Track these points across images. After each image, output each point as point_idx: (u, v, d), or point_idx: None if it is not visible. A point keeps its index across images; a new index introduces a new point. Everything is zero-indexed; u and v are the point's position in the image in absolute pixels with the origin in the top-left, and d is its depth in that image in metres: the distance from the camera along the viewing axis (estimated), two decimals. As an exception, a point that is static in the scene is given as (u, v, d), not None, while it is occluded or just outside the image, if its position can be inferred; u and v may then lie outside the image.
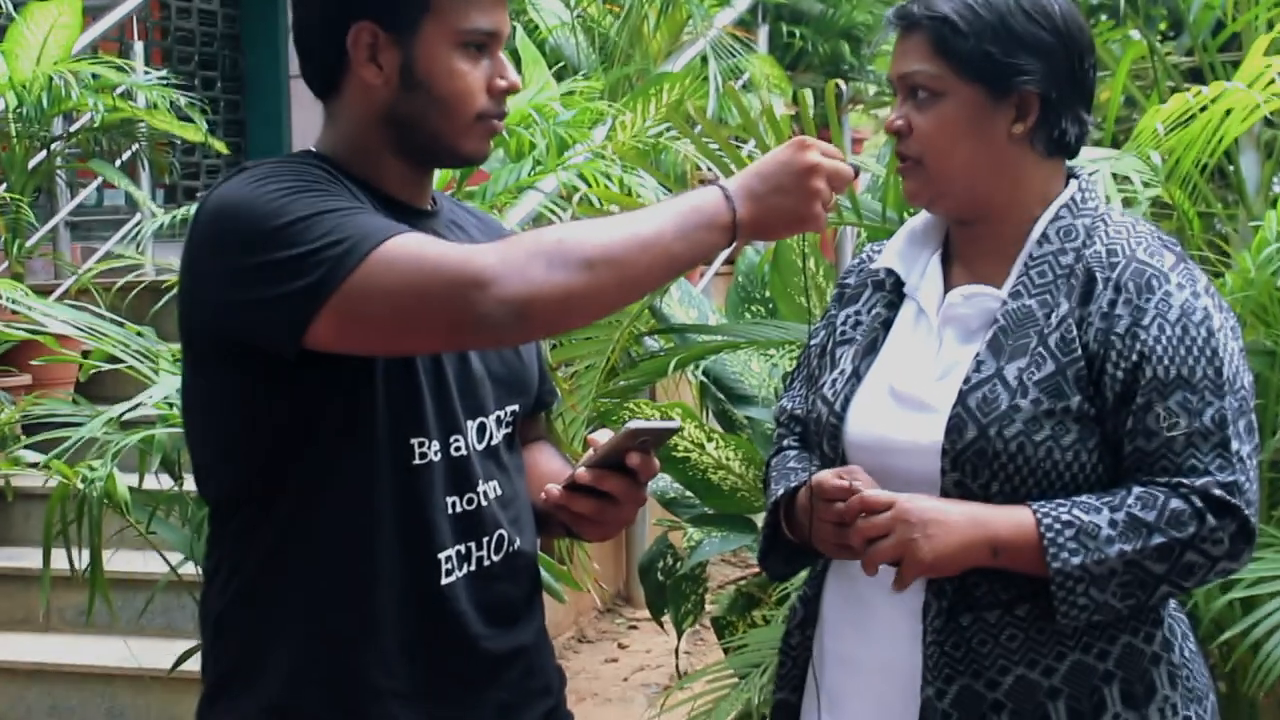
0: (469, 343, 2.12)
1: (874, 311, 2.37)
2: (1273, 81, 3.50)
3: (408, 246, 1.95)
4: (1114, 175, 3.44)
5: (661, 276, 2.02)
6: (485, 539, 2.20)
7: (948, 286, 2.31)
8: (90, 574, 3.83)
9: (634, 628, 6.45)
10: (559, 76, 6.29)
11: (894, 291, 2.36)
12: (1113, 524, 2.09)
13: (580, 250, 1.93)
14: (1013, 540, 2.11)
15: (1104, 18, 5.51)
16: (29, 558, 5.31)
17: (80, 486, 3.75)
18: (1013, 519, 2.12)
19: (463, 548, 2.17)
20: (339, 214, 1.98)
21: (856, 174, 2.12)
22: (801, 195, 2.04)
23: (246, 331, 2.01)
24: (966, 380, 2.19)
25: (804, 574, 2.49)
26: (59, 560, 3.96)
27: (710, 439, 4.00)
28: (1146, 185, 3.54)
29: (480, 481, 2.19)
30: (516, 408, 2.29)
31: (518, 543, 2.25)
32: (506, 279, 1.90)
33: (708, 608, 4.47)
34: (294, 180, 2.03)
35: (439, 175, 2.35)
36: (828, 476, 2.19)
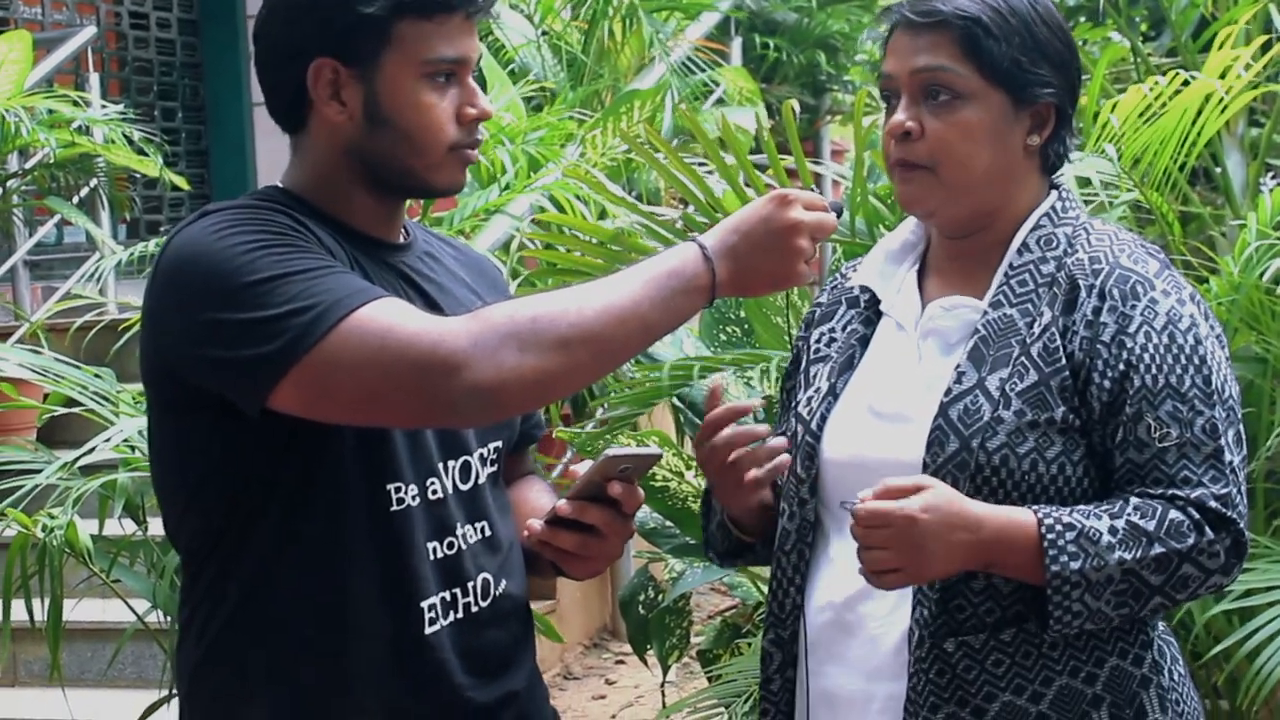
0: (438, 425, 2.07)
1: (850, 328, 2.31)
2: (1239, 76, 3.41)
3: (377, 320, 1.89)
4: (1077, 179, 3.35)
5: (638, 347, 2.00)
6: (470, 584, 2.14)
7: (924, 300, 2.25)
8: (49, 626, 3.76)
9: (621, 662, 6.33)
10: (526, 96, 6.19)
11: (870, 308, 2.31)
12: (1113, 530, 2.04)
13: (554, 330, 1.89)
14: (1011, 546, 2.04)
15: (1083, 19, 5.44)
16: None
17: (40, 535, 3.67)
18: (1012, 522, 2.04)
19: (447, 595, 2.12)
20: (308, 276, 1.91)
21: (839, 214, 2.08)
22: (784, 254, 2.02)
23: (208, 384, 1.96)
24: (947, 392, 2.14)
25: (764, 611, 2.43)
26: (22, 612, 3.89)
27: (690, 467, 3.94)
28: (1107, 186, 3.44)
29: (459, 524, 2.13)
30: (500, 444, 2.23)
31: (504, 585, 2.19)
32: (478, 365, 1.86)
33: (694, 640, 4.38)
34: (260, 231, 1.96)
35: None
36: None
